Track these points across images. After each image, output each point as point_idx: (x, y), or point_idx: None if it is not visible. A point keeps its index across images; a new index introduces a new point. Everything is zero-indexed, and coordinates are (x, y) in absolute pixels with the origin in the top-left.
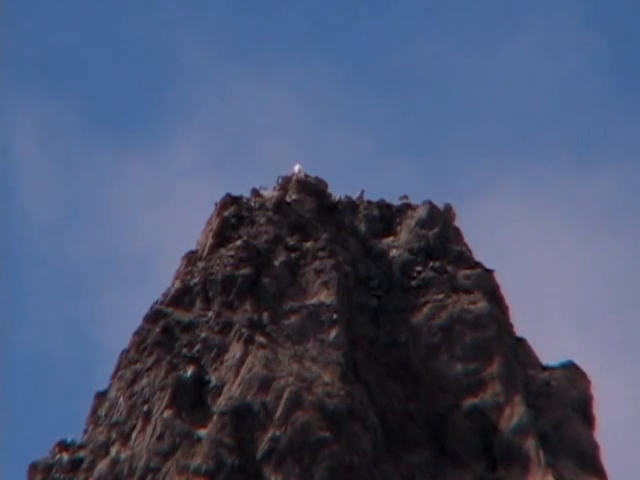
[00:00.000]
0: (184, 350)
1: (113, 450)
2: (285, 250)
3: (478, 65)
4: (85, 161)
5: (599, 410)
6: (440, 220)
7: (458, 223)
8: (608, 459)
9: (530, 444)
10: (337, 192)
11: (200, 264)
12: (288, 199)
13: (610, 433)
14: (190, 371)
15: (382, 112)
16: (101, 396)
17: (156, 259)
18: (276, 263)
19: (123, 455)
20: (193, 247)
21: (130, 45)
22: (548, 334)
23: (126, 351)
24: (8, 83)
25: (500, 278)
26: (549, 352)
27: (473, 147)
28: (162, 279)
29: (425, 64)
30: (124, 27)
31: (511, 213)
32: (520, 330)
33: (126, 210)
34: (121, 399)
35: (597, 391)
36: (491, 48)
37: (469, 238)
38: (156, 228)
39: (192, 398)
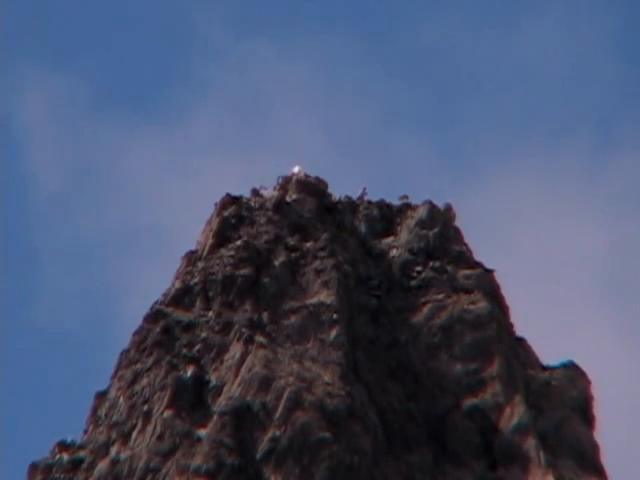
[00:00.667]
0: (184, 350)
1: (113, 450)
2: (285, 250)
3: (496, 42)
4: (95, 135)
5: (599, 410)
6: (440, 220)
7: (472, 205)
8: (608, 459)
9: (530, 444)
10: (337, 192)
11: (200, 264)
12: (288, 199)
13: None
14: (190, 371)
15: (399, 89)
16: (101, 396)
17: (166, 233)
18: (276, 263)
19: (123, 455)
20: (204, 221)
21: (145, 19)
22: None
23: (126, 351)
24: (19, 55)
25: (516, 258)
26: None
27: (490, 124)
28: (173, 252)
29: (443, 41)
30: (139, 1)
31: (528, 191)
32: (520, 330)
33: (137, 184)
34: (121, 399)
35: (612, 371)
36: (509, 25)
37: (482, 224)
38: (169, 202)
39: (192, 398)
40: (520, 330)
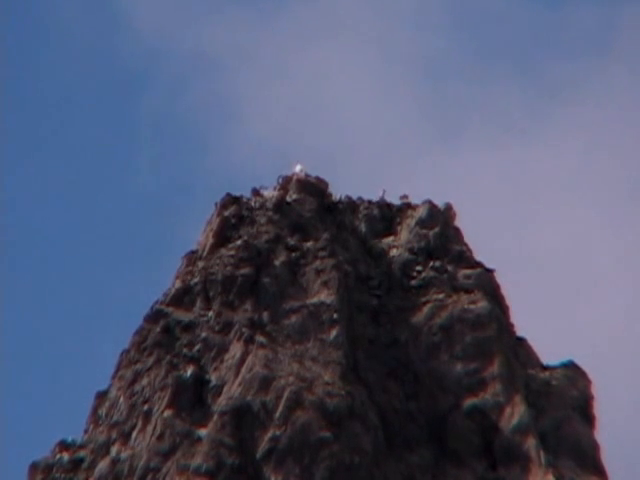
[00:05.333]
0: (184, 350)
1: (113, 450)
2: (285, 250)
3: None
4: None
5: (599, 410)
6: (440, 220)
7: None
8: (608, 459)
9: (530, 444)
10: (338, 191)
11: (200, 264)
12: (288, 199)
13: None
14: (190, 371)
15: None
16: (101, 396)
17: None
18: (276, 263)
19: (123, 455)
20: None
21: None
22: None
23: (126, 351)
24: None
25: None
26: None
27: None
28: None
29: None
30: None
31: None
32: (520, 330)
33: None
34: (121, 399)
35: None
36: None
37: None
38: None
39: (192, 398)
40: (520, 330)
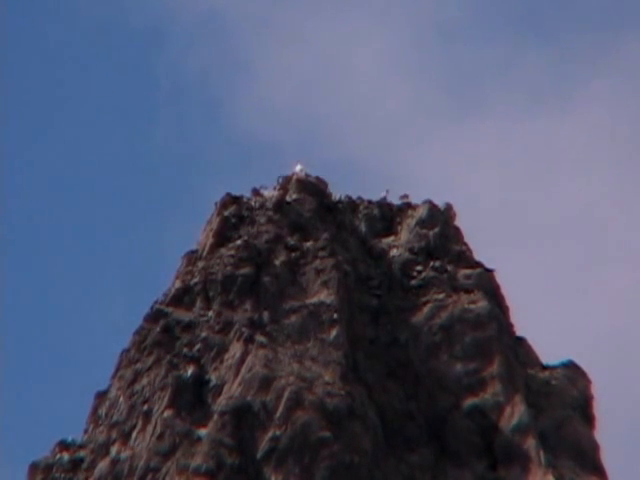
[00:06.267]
0: (184, 350)
1: (113, 450)
2: (285, 250)
3: None
4: None
5: (599, 410)
6: (440, 219)
7: None
8: (608, 459)
9: (530, 444)
10: (337, 191)
11: (200, 264)
12: (288, 199)
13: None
14: (190, 371)
15: None
16: (101, 396)
17: None
18: (276, 263)
19: (123, 455)
20: None
21: None
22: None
23: (126, 351)
24: None
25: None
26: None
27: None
28: None
29: None
30: None
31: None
32: (520, 330)
33: None
34: (121, 399)
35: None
36: None
37: None
38: None
39: (192, 398)
40: (520, 330)
